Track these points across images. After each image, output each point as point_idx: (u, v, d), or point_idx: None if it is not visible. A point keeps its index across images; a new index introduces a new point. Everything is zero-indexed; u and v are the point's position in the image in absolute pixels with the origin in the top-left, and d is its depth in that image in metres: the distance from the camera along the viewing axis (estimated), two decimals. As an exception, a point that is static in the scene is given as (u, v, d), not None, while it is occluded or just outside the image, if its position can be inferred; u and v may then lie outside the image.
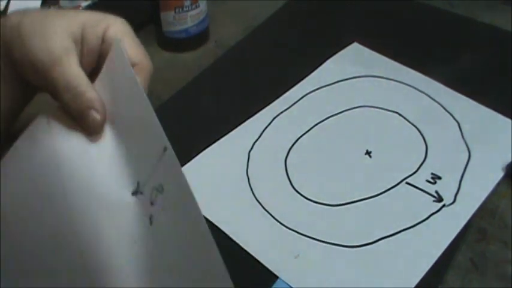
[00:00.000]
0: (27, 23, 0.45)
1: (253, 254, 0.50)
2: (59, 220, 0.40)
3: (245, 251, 0.51)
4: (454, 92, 0.64)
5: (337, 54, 0.71)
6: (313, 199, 0.55)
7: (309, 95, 0.65)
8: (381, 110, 0.63)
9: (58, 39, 0.44)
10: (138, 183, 0.40)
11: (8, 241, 0.41)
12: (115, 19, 0.47)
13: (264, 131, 0.62)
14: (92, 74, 0.46)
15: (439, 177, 0.56)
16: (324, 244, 0.51)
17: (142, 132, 0.40)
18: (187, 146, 0.60)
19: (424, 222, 0.52)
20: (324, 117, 0.63)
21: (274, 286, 0.48)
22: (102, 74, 0.44)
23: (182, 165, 0.58)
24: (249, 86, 0.68)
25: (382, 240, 0.51)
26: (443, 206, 0.53)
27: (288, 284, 0.48)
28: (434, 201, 0.54)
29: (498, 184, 0.55)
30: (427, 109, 0.63)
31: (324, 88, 0.66)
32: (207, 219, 0.53)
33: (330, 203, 0.54)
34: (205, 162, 0.59)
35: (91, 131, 0.43)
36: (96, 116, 0.42)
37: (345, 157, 0.58)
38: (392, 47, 0.70)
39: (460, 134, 0.60)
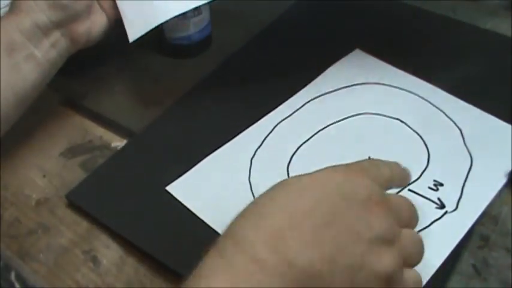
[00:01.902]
0: None
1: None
2: None
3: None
4: (457, 98, 0.64)
5: (339, 60, 0.71)
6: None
7: (311, 102, 0.65)
8: (382, 117, 0.63)
9: None
10: None
11: None
12: None
13: (266, 137, 0.62)
14: None
15: (441, 184, 0.56)
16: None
17: None
18: (189, 153, 0.60)
19: (426, 229, 0.52)
20: (326, 124, 0.63)
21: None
22: None
23: (184, 172, 0.59)
24: (250, 93, 0.68)
25: (385, 247, 0.51)
26: (446, 212, 0.53)
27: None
28: (436, 208, 0.54)
29: (500, 191, 0.55)
30: (429, 116, 0.63)
31: (326, 95, 0.66)
32: (208, 226, 0.53)
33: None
34: (208, 169, 0.59)
35: None
36: None
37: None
38: (394, 54, 0.70)
39: (462, 140, 0.60)
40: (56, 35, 0.60)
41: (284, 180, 0.40)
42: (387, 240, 0.37)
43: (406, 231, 0.40)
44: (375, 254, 0.36)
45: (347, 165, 0.41)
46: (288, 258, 0.35)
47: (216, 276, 0.35)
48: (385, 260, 0.37)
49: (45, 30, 0.59)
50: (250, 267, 0.35)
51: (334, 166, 0.40)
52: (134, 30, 0.63)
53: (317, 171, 0.39)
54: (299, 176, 0.39)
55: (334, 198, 0.37)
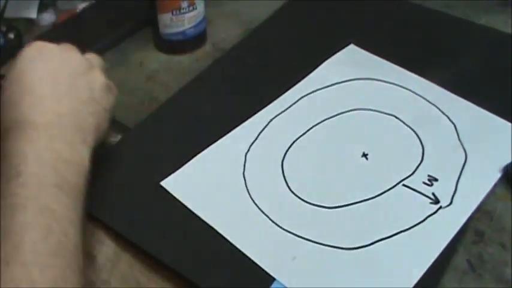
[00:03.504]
0: None
1: (250, 256, 0.50)
2: None
3: (242, 252, 0.51)
4: (451, 93, 0.64)
5: (334, 56, 0.71)
6: (310, 201, 0.55)
7: (305, 97, 0.65)
8: (377, 112, 0.63)
9: None
10: None
11: None
12: None
13: (260, 133, 0.62)
14: None
15: (436, 179, 0.56)
16: (321, 246, 0.51)
17: None
18: (184, 148, 0.60)
19: (420, 224, 0.52)
20: (321, 120, 0.63)
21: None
22: None
23: (178, 167, 0.58)
24: (245, 88, 0.68)
25: (379, 242, 0.51)
26: (440, 207, 0.53)
27: (285, 286, 0.48)
28: (431, 203, 0.54)
29: (495, 186, 0.55)
30: (424, 111, 0.63)
31: (321, 90, 0.66)
32: (203, 221, 0.53)
33: (327, 205, 0.54)
34: (202, 164, 0.59)
35: None
36: None
37: (342, 159, 0.58)
38: (389, 49, 0.70)
39: (456, 135, 0.60)
40: None
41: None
42: None
43: None
44: None
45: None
46: None
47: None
48: None
49: None
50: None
51: None
52: None
53: None
54: None
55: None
